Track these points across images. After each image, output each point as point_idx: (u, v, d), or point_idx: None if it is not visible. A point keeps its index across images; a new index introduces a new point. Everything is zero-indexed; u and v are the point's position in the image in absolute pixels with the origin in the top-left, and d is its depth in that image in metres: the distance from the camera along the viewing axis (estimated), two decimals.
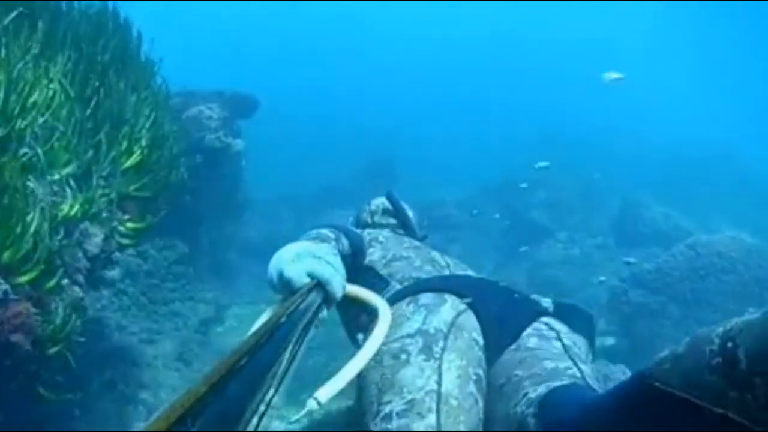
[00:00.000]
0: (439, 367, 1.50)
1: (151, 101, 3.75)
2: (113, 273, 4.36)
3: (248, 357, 0.72)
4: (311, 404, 1.15)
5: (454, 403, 1.44)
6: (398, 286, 1.87)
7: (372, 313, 1.49)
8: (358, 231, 2.16)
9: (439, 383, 1.46)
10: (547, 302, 1.87)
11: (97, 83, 3.24)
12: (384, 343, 1.42)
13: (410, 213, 2.48)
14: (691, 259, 5.68)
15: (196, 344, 6.12)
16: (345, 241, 1.79)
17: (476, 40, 28.37)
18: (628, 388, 1.09)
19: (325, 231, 1.76)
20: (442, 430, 1.37)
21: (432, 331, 1.58)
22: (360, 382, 1.56)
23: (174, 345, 5.81)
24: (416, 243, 2.23)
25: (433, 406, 1.42)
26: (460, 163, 15.64)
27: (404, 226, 2.42)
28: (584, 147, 14.56)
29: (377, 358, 1.48)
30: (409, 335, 1.59)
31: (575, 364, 1.56)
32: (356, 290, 1.50)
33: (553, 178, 11.47)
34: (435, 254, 2.12)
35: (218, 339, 6.53)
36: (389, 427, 1.41)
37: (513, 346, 1.64)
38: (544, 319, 1.73)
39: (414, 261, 1.97)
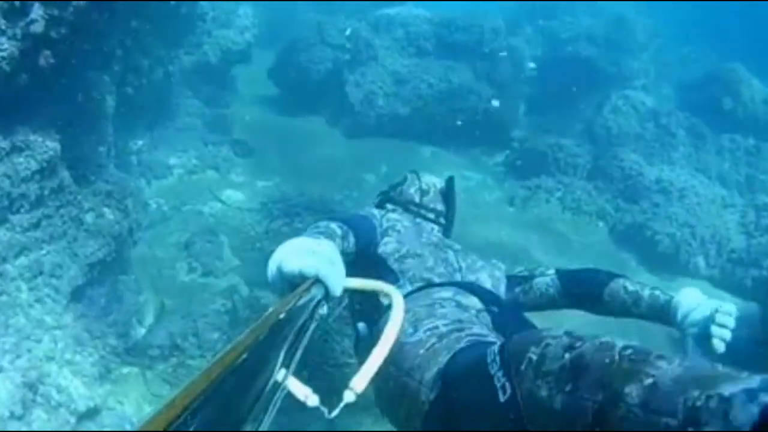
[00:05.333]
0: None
1: None
2: None
3: (247, 353, 0.74)
4: (348, 396, 1.17)
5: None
6: (408, 286, 2.03)
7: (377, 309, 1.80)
8: (376, 215, 2.26)
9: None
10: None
11: None
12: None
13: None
14: None
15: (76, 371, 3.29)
16: (351, 239, 1.85)
17: None
18: None
19: (333, 226, 1.80)
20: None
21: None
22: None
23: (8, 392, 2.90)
24: (435, 238, 2.30)
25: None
26: None
27: (446, 217, 2.49)
28: None
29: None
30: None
31: None
32: (360, 283, 1.55)
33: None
34: (450, 254, 2.22)
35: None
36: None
37: None
38: None
39: (427, 260, 2.10)
